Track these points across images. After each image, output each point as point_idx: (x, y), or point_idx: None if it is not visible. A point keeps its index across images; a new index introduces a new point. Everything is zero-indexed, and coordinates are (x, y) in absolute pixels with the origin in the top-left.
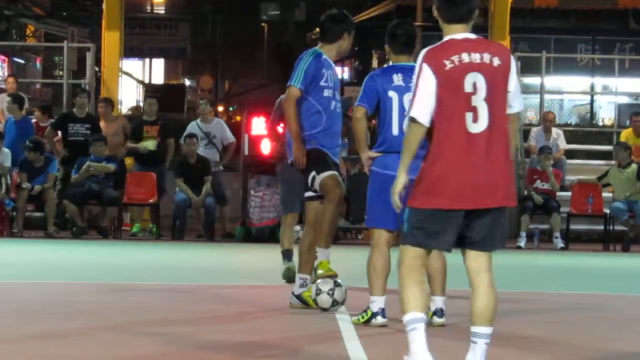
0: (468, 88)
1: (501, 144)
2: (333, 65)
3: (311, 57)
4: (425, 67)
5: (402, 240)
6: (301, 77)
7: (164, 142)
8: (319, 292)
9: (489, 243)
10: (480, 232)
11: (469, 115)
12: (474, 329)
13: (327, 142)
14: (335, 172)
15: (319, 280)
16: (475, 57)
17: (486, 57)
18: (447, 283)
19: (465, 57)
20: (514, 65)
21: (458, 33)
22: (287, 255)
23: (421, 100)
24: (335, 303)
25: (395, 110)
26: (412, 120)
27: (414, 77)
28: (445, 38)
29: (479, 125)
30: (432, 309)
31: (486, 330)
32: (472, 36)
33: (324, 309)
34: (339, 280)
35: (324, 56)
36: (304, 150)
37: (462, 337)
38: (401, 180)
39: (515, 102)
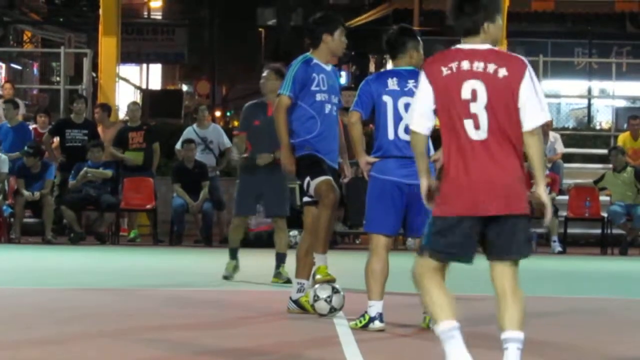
0: (465, 95)
1: (507, 154)
2: (328, 68)
3: (300, 63)
4: (423, 76)
5: (418, 252)
6: (290, 84)
7: (150, 148)
8: (316, 298)
9: (505, 251)
10: (495, 239)
11: (468, 123)
12: (504, 335)
13: (323, 147)
14: (330, 177)
15: (316, 286)
16: (478, 66)
17: (491, 67)
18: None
19: (465, 64)
20: (528, 80)
21: (470, 44)
22: (232, 252)
23: (417, 109)
24: (333, 310)
25: (390, 114)
26: (412, 131)
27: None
28: (455, 47)
29: (480, 133)
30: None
31: (516, 334)
32: (483, 47)
33: (322, 315)
34: (337, 287)
35: (314, 61)
36: (292, 159)
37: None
38: (424, 184)
39: (529, 117)
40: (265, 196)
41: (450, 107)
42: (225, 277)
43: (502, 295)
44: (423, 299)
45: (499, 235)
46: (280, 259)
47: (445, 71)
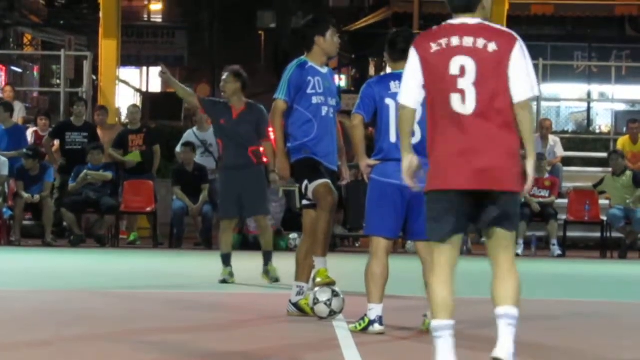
0: (454, 71)
1: (496, 129)
2: (323, 70)
3: (294, 67)
4: (412, 52)
5: (427, 239)
6: (285, 88)
7: (150, 150)
8: (316, 301)
9: (500, 223)
10: (489, 214)
11: (455, 97)
12: (496, 310)
13: (321, 150)
14: (328, 180)
15: (316, 289)
16: (468, 41)
17: (480, 42)
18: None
19: (454, 40)
20: (518, 51)
21: (458, 18)
22: (225, 259)
23: (407, 84)
24: (333, 313)
25: (392, 117)
26: (401, 105)
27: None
28: (446, 22)
29: (466, 107)
30: (429, 316)
31: (507, 310)
32: (473, 21)
33: (322, 318)
34: (337, 290)
35: (309, 64)
36: (287, 165)
37: (466, 344)
38: (406, 160)
39: (519, 90)
40: (244, 196)
41: (437, 82)
42: (223, 281)
43: (496, 273)
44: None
45: (489, 209)
46: (267, 257)
47: (434, 47)
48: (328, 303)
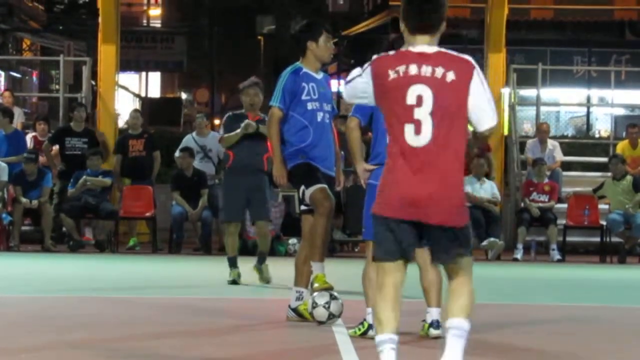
0: (410, 100)
1: (448, 161)
2: (318, 76)
3: (288, 74)
4: (369, 70)
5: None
6: (280, 95)
7: (150, 155)
8: (315, 305)
9: (439, 257)
10: (432, 244)
11: (409, 127)
12: (447, 322)
13: (317, 155)
14: (325, 186)
15: (315, 294)
16: (426, 70)
17: (439, 71)
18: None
19: (412, 69)
20: (476, 80)
21: (419, 45)
22: (232, 262)
23: (353, 84)
24: (332, 316)
25: None
26: (349, 118)
27: (355, 70)
28: (402, 48)
29: (420, 138)
30: (429, 320)
31: (456, 322)
32: (431, 50)
33: (321, 322)
34: (335, 293)
35: (303, 70)
36: (284, 171)
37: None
38: (358, 167)
39: (482, 120)
40: (252, 201)
41: (393, 110)
42: (233, 282)
43: (451, 290)
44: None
45: (438, 242)
46: (262, 258)
47: (392, 74)
48: (326, 306)
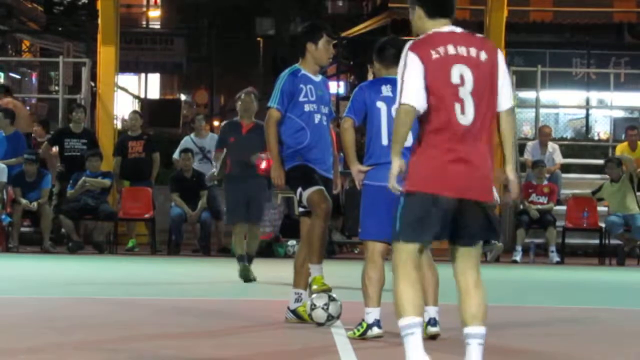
0: (455, 79)
1: (484, 141)
2: (316, 78)
3: (287, 75)
4: (412, 55)
5: (393, 238)
6: (278, 97)
7: (149, 157)
8: (313, 307)
9: (470, 237)
10: (466, 226)
11: (457, 106)
12: (466, 330)
13: (314, 157)
14: (322, 187)
15: (313, 295)
16: (462, 50)
17: (472, 51)
18: (444, 297)
19: (450, 49)
20: (502, 60)
21: (442, 27)
22: (241, 258)
23: (411, 85)
24: (331, 317)
25: (384, 120)
26: (403, 105)
27: (399, 68)
28: (430, 31)
29: (466, 117)
30: (426, 319)
31: (478, 330)
32: (458, 29)
33: (320, 324)
34: (333, 295)
35: (302, 72)
36: (281, 173)
37: (459, 351)
38: (396, 164)
39: (506, 98)
40: (252, 203)
41: (440, 89)
42: (246, 278)
43: (464, 290)
44: (394, 295)
45: (470, 220)
46: (250, 259)
47: (434, 54)
48: (325, 307)
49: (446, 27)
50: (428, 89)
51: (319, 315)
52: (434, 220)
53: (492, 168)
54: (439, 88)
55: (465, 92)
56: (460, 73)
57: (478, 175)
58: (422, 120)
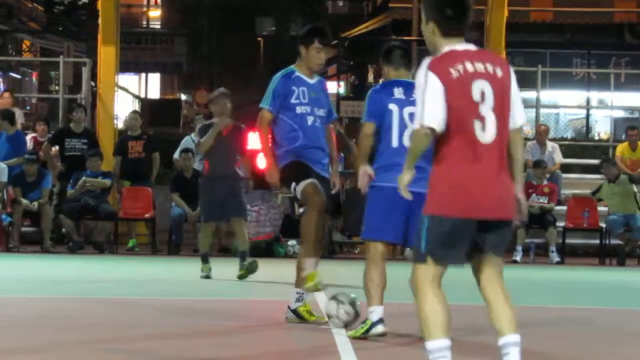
0: (476, 97)
1: (504, 157)
2: (311, 80)
3: (279, 77)
4: (432, 75)
5: (416, 259)
6: (270, 98)
7: (149, 157)
8: (341, 301)
9: (497, 250)
10: (491, 241)
11: (477, 124)
12: (503, 340)
13: (308, 158)
14: (315, 180)
15: (338, 295)
16: (479, 67)
17: (489, 67)
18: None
19: (469, 66)
20: (514, 77)
21: (457, 44)
22: (205, 258)
23: (432, 107)
24: (356, 315)
25: (395, 122)
26: (424, 129)
27: (417, 87)
28: (446, 49)
29: (487, 135)
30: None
31: (515, 338)
32: (472, 47)
33: (348, 316)
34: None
35: (296, 73)
36: (276, 173)
37: (463, 352)
38: (407, 176)
39: (519, 115)
40: (225, 203)
41: (461, 107)
42: (206, 277)
43: (495, 301)
44: (418, 310)
45: (492, 237)
46: (244, 256)
47: (454, 72)
48: (357, 303)
49: (461, 45)
50: (449, 108)
51: (348, 310)
52: (460, 241)
53: (512, 186)
54: (460, 107)
55: (487, 109)
56: (481, 89)
57: (500, 194)
58: (441, 139)
